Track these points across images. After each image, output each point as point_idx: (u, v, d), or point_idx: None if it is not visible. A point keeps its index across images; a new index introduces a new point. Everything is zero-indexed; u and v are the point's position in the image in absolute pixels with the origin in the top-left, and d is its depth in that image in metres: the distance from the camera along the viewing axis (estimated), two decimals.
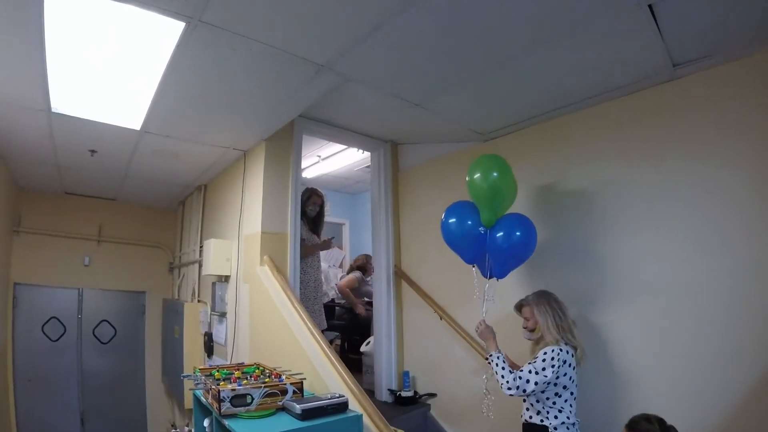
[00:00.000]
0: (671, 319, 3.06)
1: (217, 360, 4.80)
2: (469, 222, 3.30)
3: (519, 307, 3.18)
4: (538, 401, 2.87)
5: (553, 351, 2.80)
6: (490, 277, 3.33)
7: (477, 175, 3.20)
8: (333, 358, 3.08)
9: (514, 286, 3.64)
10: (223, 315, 4.73)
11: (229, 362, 4.27)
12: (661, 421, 2.16)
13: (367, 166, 5.79)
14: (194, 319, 5.42)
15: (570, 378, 2.83)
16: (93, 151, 4.56)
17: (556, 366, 2.75)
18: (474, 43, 2.80)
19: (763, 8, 2.43)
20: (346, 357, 5.41)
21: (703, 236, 2.96)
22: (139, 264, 6.90)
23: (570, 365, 2.82)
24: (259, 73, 3.09)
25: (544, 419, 2.84)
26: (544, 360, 2.78)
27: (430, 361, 4.52)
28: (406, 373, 4.56)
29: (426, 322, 4.49)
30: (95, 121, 3.79)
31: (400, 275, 4.88)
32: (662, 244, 3.14)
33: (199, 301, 5.61)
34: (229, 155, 4.71)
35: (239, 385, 2.64)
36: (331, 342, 5.37)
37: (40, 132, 4.00)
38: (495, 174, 3.18)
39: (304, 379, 2.91)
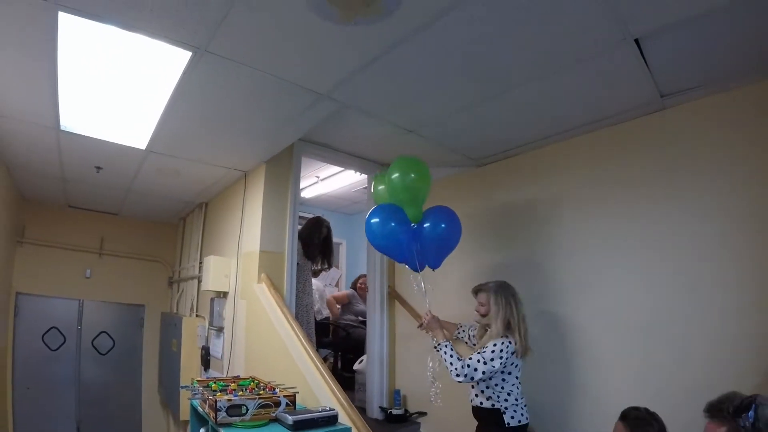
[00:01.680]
0: (635, 360, 3.20)
1: (213, 373, 4.86)
2: (393, 224, 3.41)
3: (476, 291, 3.31)
4: (488, 387, 3.03)
5: (502, 344, 2.95)
6: (422, 270, 3.46)
7: (396, 176, 3.37)
8: (325, 374, 3.17)
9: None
10: (220, 330, 4.81)
11: (225, 375, 4.34)
12: (646, 410, 2.41)
13: (364, 187, 5.90)
14: (192, 333, 5.50)
15: (515, 365, 3.02)
16: (99, 168, 4.67)
17: (504, 358, 2.92)
18: (467, 77, 2.94)
19: (749, 42, 2.53)
20: (340, 375, 5.44)
21: (676, 273, 3.09)
22: (139, 278, 6.99)
23: (516, 355, 2.99)
24: (261, 100, 3.23)
25: (495, 403, 3.01)
26: (493, 351, 2.93)
27: (421, 381, 4.55)
28: (397, 392, 4.62)
29: (418, 342, 4.53)
30: (102, 140, 3.92)
31: (393, 296, 4.97)
32: (634, 279, 3.29)
33: (197, 315, 5.69)
34: (230, 175, 4.84)
35: (235, 396, 2.73)
36: (324, 359, 5.41)
37: (48, 148, 4.12)
38: (413, 175, 3.35)
39: (297, 392, 2.98)
